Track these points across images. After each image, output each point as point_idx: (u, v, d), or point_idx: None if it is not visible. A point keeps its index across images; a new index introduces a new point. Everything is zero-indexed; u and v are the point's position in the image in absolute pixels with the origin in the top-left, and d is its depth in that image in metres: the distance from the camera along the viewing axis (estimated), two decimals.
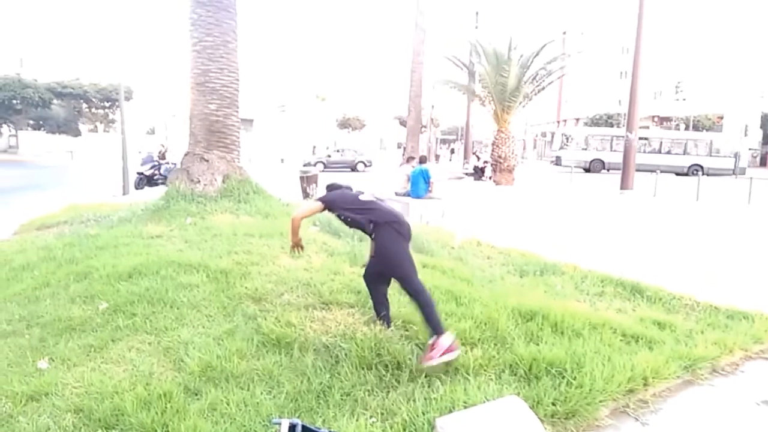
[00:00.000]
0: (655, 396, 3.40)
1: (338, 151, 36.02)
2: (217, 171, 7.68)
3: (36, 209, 11.14)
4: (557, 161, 34.77)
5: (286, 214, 7.55)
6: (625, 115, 50.49)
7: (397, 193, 11.72)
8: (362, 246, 6.14)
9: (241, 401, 3.00)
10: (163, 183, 17.59)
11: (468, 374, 3.30)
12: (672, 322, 4.56)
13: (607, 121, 55.88)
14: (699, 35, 52.01)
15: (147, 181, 17.60)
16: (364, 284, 4.04)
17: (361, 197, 3.76)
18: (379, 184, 14.27)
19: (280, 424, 2.32)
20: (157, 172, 17.98)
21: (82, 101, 51.55)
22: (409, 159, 12.19)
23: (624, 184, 18.86)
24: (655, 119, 57.78)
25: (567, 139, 35.13)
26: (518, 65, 19.44)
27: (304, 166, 32.39)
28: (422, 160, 11.41)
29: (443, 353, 3.27)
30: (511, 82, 19.35)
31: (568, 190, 19.60)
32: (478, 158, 25.89)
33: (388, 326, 3.81)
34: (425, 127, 35.17)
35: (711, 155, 32.94)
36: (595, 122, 57.16)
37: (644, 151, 32.45)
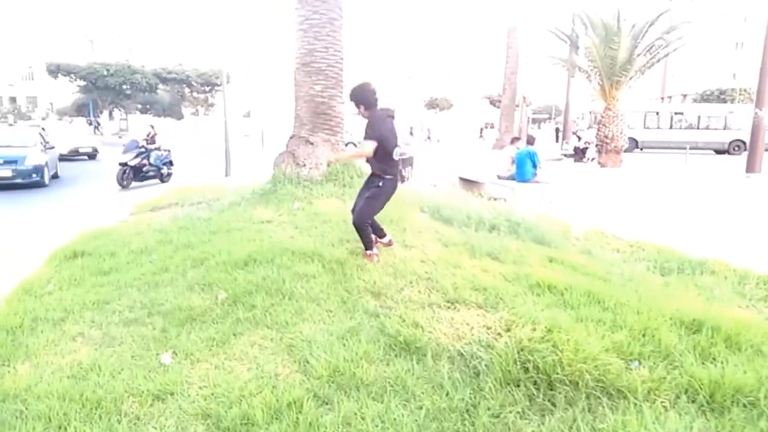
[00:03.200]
0: None
1: None
2: (322, 154, 7.47)
3: (147, 190, 11.62)
4: None
5: (391, 201, 7.20)
6: (740, 90, 46.01)
7: (500, 176, 11.08)
8: (479, 237, 5.69)
9: (377, 416, 2.69)
10: (154, 176, 13.64)
11: (637, 399, 2.79)
12: None
13: (719, 96, 51.08)
14: None
15: (134, 174, 12.99)
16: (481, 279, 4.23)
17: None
18: (478, 166, 13.64)
19: None
20: (146, 161, 13.37)
21: (184, 86, 54.35)
22: (514, 140, 11.47)
23: (750, 167, 16.95)
24: None
25: (595, 117, 31.90)
26: (630, 36, 17.88)
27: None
28: (530, 141, 10.67)
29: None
30: (621, 55, 17.84)
31: (683, 173, 17.91)
32: (579, 138, 24.35)
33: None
34: (518, 105, 33.65)
35: None
36: (704, 98, 52.41)
37: (680, 127, 29.57)
